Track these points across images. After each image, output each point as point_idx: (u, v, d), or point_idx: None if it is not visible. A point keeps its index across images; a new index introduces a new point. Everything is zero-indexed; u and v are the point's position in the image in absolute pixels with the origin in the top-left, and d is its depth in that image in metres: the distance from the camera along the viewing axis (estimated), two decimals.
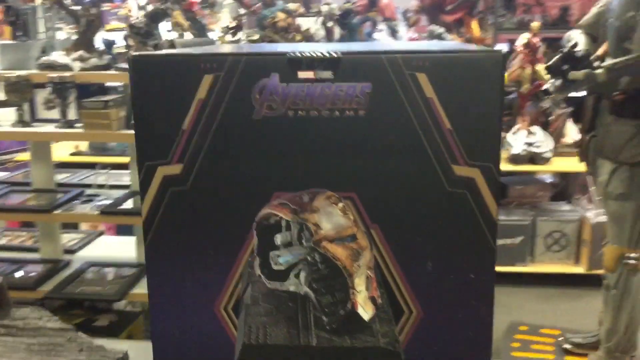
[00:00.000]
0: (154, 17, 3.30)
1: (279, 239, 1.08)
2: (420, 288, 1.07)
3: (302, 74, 1.01)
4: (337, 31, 4.60)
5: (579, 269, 4.47)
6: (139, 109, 1.05)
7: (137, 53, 1.04)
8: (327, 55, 1.00)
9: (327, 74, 1.01)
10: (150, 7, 3.30)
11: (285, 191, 1.05)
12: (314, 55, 1.00)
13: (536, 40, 4.48)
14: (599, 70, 2.71)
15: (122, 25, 5.45)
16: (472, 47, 1.18)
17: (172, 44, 3.07)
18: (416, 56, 0.99)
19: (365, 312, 1.07)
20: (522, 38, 4.53)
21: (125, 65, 3.08)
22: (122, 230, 4.15)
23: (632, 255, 2.92)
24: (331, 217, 1.06)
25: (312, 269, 1.07)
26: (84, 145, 4.83)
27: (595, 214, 4.31)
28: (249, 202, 1.06)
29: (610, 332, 3.06)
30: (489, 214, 1.03)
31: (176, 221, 1.08)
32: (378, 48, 1.04)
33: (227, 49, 1.18)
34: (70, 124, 3.19)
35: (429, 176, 1.02)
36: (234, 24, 4.29)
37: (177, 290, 1.11)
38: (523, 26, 5.81)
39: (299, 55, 1.01)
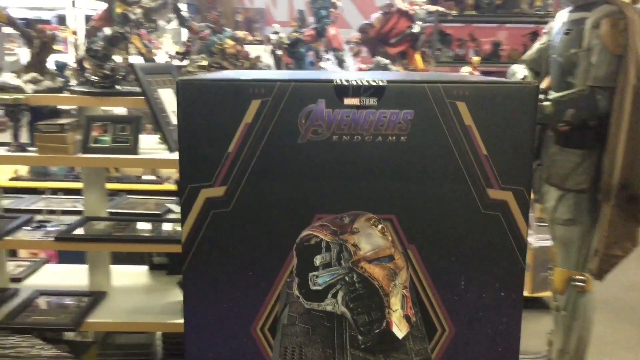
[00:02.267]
0: (112, 41, 3.26)
1: (318, 260, 1.11)
2: (453, 306, 1.12)
3: (348, 101, 1.05)
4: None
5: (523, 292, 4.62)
6: (184, 132, 1.06)
7: (184, 77, 1.05)
8: (373, 83, 1.05)
9: (372, 101, 1.05)
10: (108, 31, 3.26)
11: (327, 213, 1.09)
12: (361, 83, 1.05)
13: (476, 73, 4.69)
14: (546, 103, 2.88)
15: (60, 47, 5.31)
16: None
17: (132, 68, 3.04)
18: (457, 86, 1.05)
19: (400, 330, 1.11)
20: (464, 71, 4.73)
21: (79, 88, 3.03)
22: (65, 258, 4.00)
23: (580, 277, 3.08)
24: (370, 238, 1.10)
25: (350, 288, 1.11)
26: (23, 170, 4.64)
27: (535, 239, 4.50)
28: (291, 224, 1.09)
29: (561, 352, 3.20)
30: (520, 235, 1.10)
31: (217, 243, 1.09)
32: (420, 78, 1.10)
33: (274, 75, 1.21)
34: (22, 148, 3.08)
35: (466, 199, 1.08)
36: (182, 49, 4.28)
37: (215, 312, 1.11)
38: (459, 59, 6.08)
39: (346, 82, 1.05)
